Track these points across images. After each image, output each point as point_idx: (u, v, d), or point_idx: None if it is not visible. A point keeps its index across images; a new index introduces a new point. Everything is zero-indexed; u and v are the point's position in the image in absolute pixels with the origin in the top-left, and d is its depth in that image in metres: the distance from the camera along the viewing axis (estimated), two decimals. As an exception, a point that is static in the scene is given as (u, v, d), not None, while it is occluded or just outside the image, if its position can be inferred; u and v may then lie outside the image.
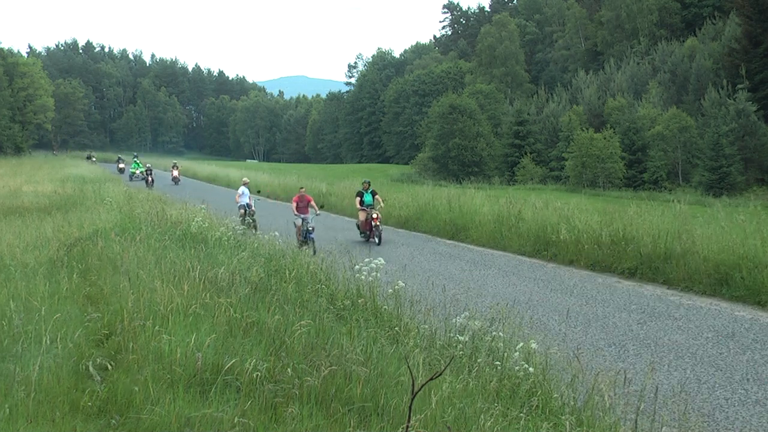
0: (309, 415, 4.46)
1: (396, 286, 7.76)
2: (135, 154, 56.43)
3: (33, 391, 4.48)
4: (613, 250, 12.30)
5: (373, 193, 17.17)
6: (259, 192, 21.14)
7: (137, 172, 42.91)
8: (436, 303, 7.88)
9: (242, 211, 17.69)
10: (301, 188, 16.59)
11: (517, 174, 52.96)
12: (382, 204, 17.09)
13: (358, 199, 16.99)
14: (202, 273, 7.53)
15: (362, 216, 16.72)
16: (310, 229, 14.73)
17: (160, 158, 76.29)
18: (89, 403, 4.57)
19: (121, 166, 51.10)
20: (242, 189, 18.44)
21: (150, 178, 36.69)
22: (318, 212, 16.11)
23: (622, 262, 11.96)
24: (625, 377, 5.27)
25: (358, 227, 17.04)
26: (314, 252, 13.52)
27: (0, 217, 14.66)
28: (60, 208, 16.62)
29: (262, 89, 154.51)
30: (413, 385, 2.95)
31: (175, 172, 40.98)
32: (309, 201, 15.88)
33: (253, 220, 17.10)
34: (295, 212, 15.43)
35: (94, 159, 69.70)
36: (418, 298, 7.91)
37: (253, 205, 18.16)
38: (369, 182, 17.81)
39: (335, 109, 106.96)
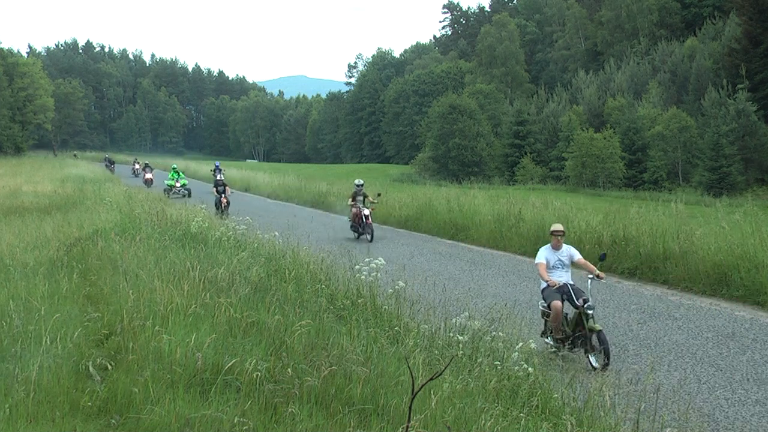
0: (309, 415, 4.45)
1: (396, 286, 7.76)
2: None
3: (33, 391, 4.48)
4: (613, 250, 12.30)
5: None
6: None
7: (177, 185, 29.93)
8: (436, 303, 7.88)
9: (557, 307, 7.50)
10: None
11: (517, 174, 52.99)
12: None
13: None
14: (202, 273, 7.52)
15: None
16: None
17: (159, 158, 76.00)
18: (89, 403, 4.57)
19: (149, 176, 35.97)
20: (545, 252, 8.00)
21: (224, 200, 21.49)
22: None
23: (623, 262, 11.96)
24: (627, 377, 5.27)
25: None
26: None
27: (0, 217, 14.65)
28: (60, 208, 16.61)
29: (262, 89, 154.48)
30: (413, 385, 2.95)
31: (366, 211, 17.17)
32: None
33: (602, 349, 7.08)
34: None
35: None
36: (418, 298, 7.92)
37: (590, 299, 7.41)
38: None
39: (335, 109, 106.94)
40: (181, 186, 30.11)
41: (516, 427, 4.53)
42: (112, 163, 53.86)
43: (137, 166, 48.26)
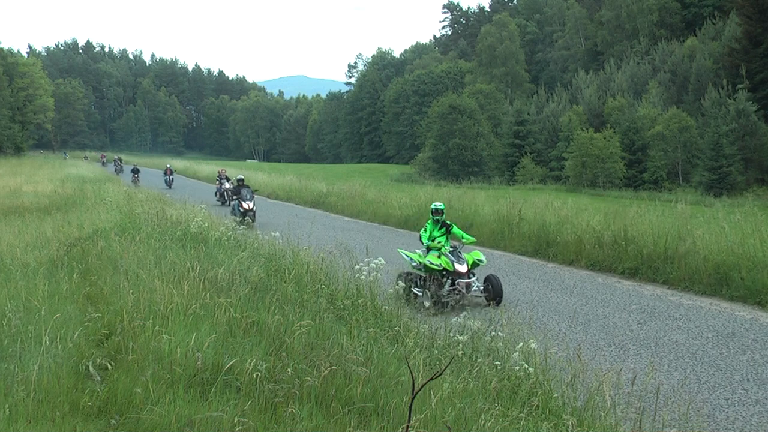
0: (309, 415, 4.45)
1: (396, 286, 7.77)
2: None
3: (33, 391, 4.48)
4: (613, 250, 12.29)
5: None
6: None
7: (461, 269, 9.60)
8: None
9: None
10: None
11: (517, 174, 52.98)
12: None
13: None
14: (202, 273, 7.51)
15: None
16: None
17: (159, 158, 75.88)
18: (89, 403, 4.56)
19: (248, 205, 19.31)
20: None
21: None
22: None
23: (623, 262, 11.95)
24: (627, 377, 5.26)
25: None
26: None
27: (0, 217, 14.64)
28: (60, 208, 16.60)
29: (262, 89, 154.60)
30: (413, 385, 2.94)
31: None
32: None
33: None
34: None
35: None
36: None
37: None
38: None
39: (335, 109, 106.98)
40: (471, 269, 9.92)
41: (516, 427, 4.52)
42: (137, 172, 39.22)
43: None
